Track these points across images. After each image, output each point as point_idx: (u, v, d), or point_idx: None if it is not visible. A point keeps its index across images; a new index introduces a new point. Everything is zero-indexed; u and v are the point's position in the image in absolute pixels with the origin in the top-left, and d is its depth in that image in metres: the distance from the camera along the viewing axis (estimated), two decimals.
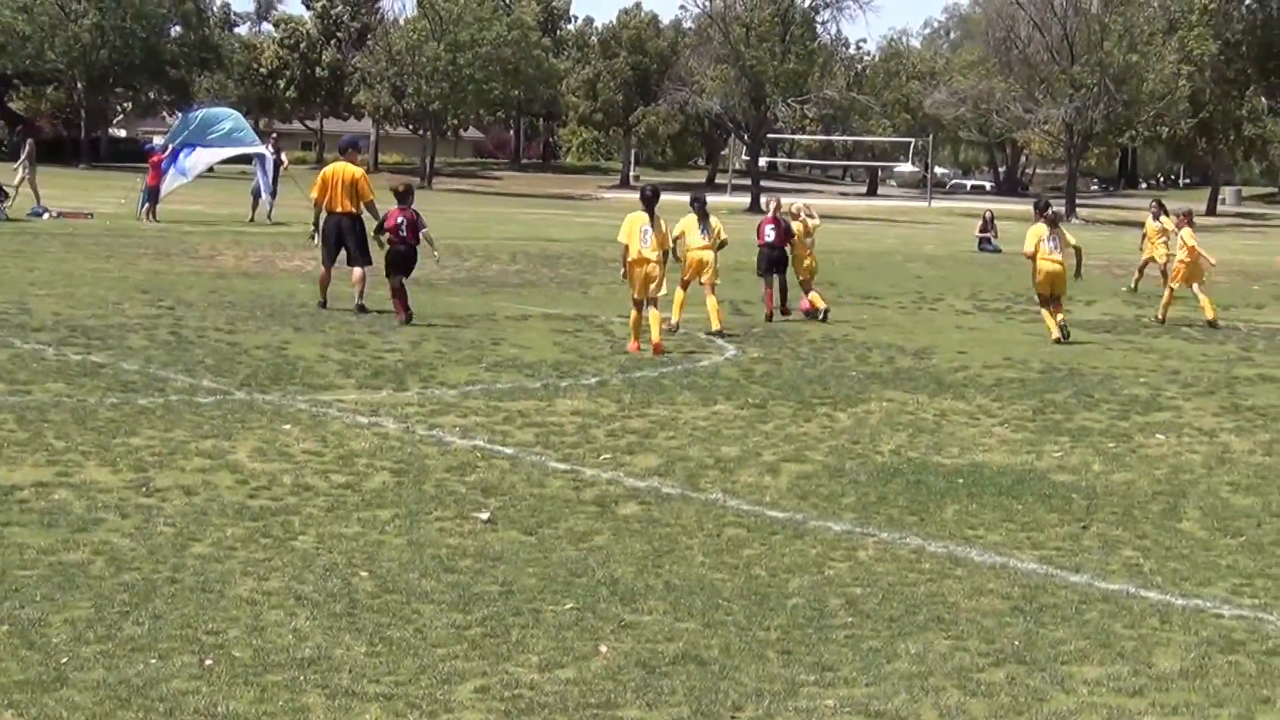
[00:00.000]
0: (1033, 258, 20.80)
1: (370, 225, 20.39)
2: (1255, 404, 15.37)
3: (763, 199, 69.33)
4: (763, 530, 9.41)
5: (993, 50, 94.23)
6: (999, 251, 41.56)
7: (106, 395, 13.09)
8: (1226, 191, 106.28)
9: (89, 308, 19.47)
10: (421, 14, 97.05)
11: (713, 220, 20.12)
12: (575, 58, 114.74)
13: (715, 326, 19.54)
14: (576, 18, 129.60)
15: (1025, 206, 24.77)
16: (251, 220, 40.47)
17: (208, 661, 6.65)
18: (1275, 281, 35.47)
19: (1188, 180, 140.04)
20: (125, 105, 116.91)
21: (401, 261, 19.78)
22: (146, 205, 39.88)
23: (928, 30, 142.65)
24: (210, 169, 43.59)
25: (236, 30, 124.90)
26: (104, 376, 14.08)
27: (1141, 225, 31.45)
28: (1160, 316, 23.86)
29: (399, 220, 19.79)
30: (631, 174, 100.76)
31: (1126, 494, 10.84)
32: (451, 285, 25.77)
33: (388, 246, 19.84)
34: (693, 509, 9.91)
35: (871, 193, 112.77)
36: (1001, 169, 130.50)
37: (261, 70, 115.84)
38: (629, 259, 17.79)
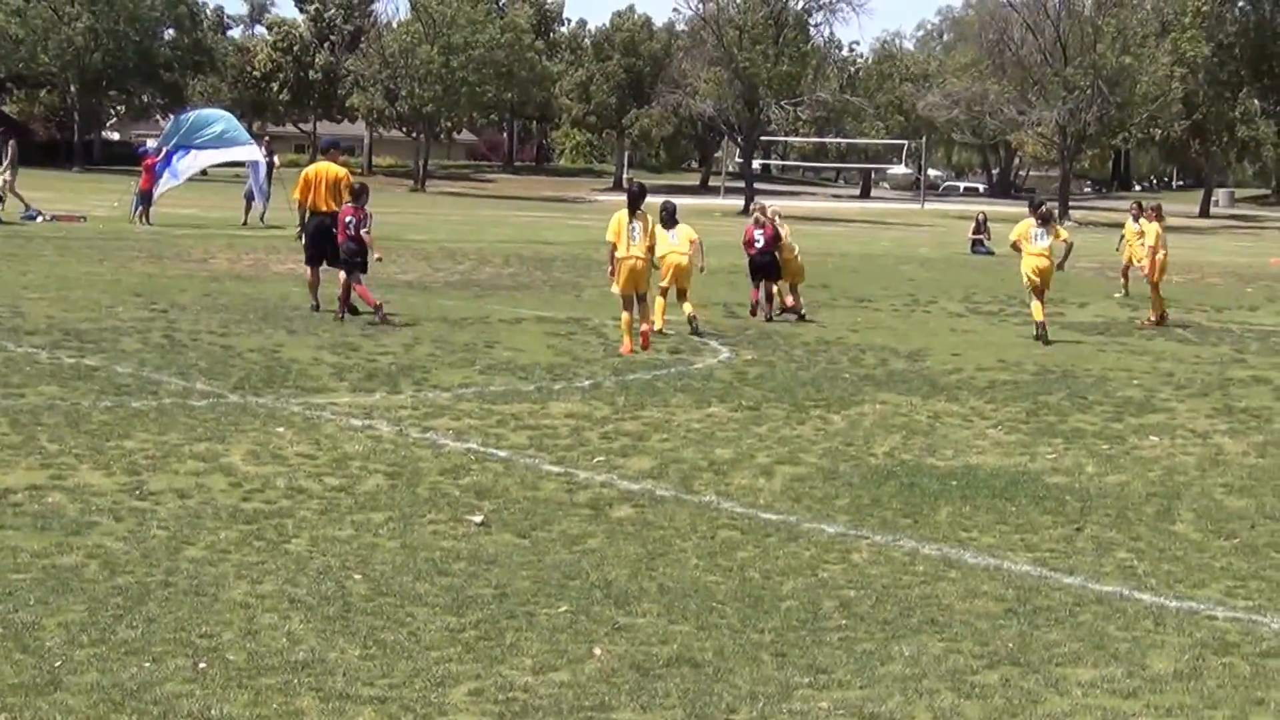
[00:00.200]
0: (1016, 249, 21.44)
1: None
2: (1249, 406, 15.39)
3: (755, 202, 69.54)
4: (756, 533, 9.41)
5: (986, 52, 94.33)
6: (992, 254, 41.57)
7: (100, 398, 13.07)
8: (1220, 193, 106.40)
9: (82, 311, 19.46)
10: (414, 17, 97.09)
11: (681, 226, 20.42)
12: (568, 60, 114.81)
13: (658, 325, 19.34)
14: (570, 20, 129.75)
15: (1018, 209, 24.80)
16: (245, 223, 40.45)
17: (201, 665, 6.65)
18: (1269, 283, 35.53)
19: (1181, 182, 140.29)
20: (118, 108, 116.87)
21: (349, 259, 19.87)
22: (140, 208, 39.85)
23: (921, 32, 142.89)
24: (203, 172, 43.53)
25: (229, 33, 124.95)
26: (97, 380, 14.07)
27: (1121, 227, 31.57)
28: (1154, 318, 23.85)
29: (349, 219, 19.88)
30: (625, 176, 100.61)
31: (1120, 496, 10.85)
32: (445, 288, 25.77)
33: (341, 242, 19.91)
34: (686, 511, 9.91)
35: (865, 195, 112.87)
36: (995, 171, 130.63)
37: (255, 73, 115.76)
38: (617, 256, 17.94)
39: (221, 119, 42.31)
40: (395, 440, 11.84)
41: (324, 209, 20.46)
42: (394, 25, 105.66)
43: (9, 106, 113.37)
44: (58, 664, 6.58)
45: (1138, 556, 9.15)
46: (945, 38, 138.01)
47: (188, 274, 25.76)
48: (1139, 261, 27.87)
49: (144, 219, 39.24)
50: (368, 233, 20.00)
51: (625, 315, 17.92)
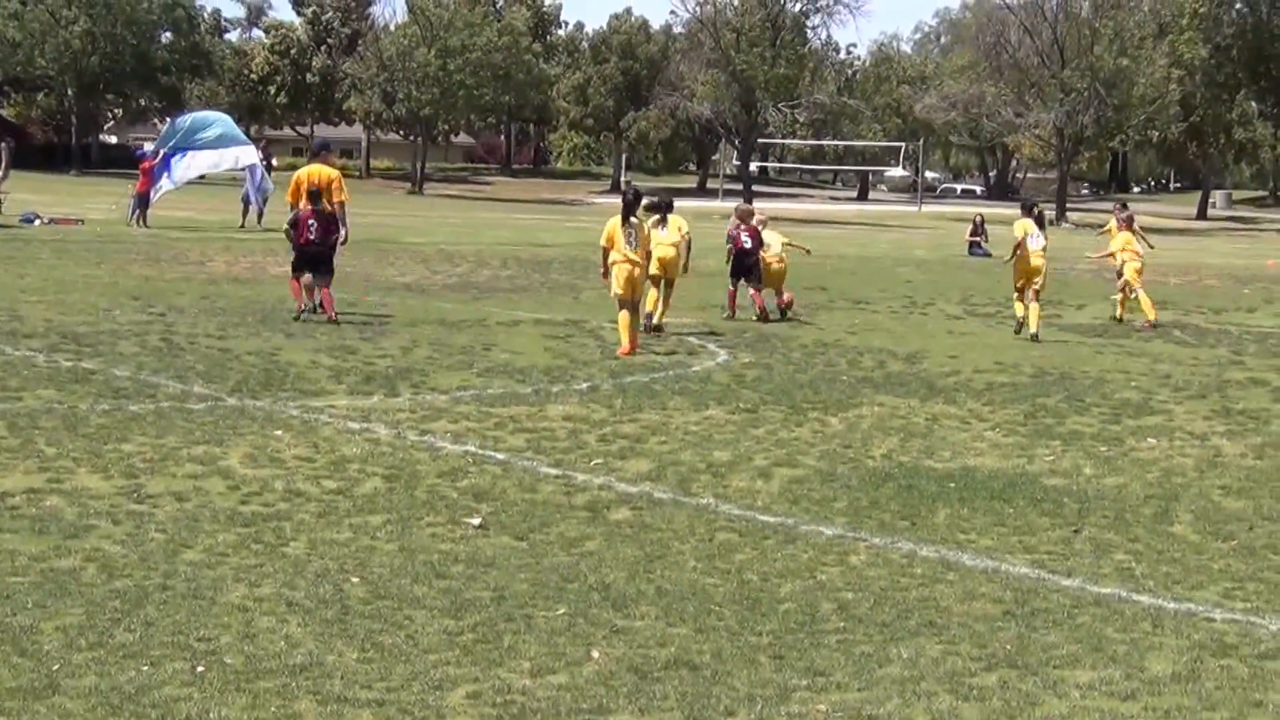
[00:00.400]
0: (1018, 248, 21.64)
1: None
2: (1246, 407, 15.40)
3: (767, 204, 69.50)
4: (754, 535, 9.41)
5: (983, 55, 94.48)
6: (989, 256, 41.59)
7: (98, 402, 13.07)
8: (1217, 195, 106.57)
9: (80, 314, 19.45)
10: (412, 20, 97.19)
11: (673, 218, 20.75)
12: (566, 63, 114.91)
13: (655, 321, 19.95)
14: (567, 23, 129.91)
15: (1016, 211, 24.83)
16: (242, 226, 40.47)
17: (199, 668, 6.64)
18: (1266, 285, 35.55)
19: (1178, 184, 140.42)
20: (116, 112, 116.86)
21: (309, 261, 20.00)
22: (137, 212, 39.87)
23: (918, 35, 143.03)
24: (201, 176, 43.50)
25: (227, 36, 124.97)
26: (95, 383, 14.07)
27: (1104, 226, 31.67)
28: (1152, 320, 23.86)
29: (310, 221, 20.04)
30: (622, 179, 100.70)
31: (1118, 498, 10.85)
32: (443, 290, 25.77)
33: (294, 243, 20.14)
34: (684, 514, 9.91)
35: (862, 197, 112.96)
36: (992, 173, 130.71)
37: (252, 76, 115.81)
38: (611, 260, 18.08)
39: (219, 122, 42.24)
40: (393, 443, 11.84)
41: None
42: (391, 28, 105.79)
43: (6, 110, 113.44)
44: (55, 667, 6.58)
45: (1136, 558, 9.16)
46: (942, 40, 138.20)
47: (185, 277, 25.76)
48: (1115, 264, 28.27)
49: (141, 222, 39.24)
50: (342, 233, 20.29)
51: (623, 315, 17.96)
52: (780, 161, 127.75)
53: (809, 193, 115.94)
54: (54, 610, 7.36)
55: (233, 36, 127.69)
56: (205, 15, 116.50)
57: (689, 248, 21.08)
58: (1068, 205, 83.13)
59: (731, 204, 75.85)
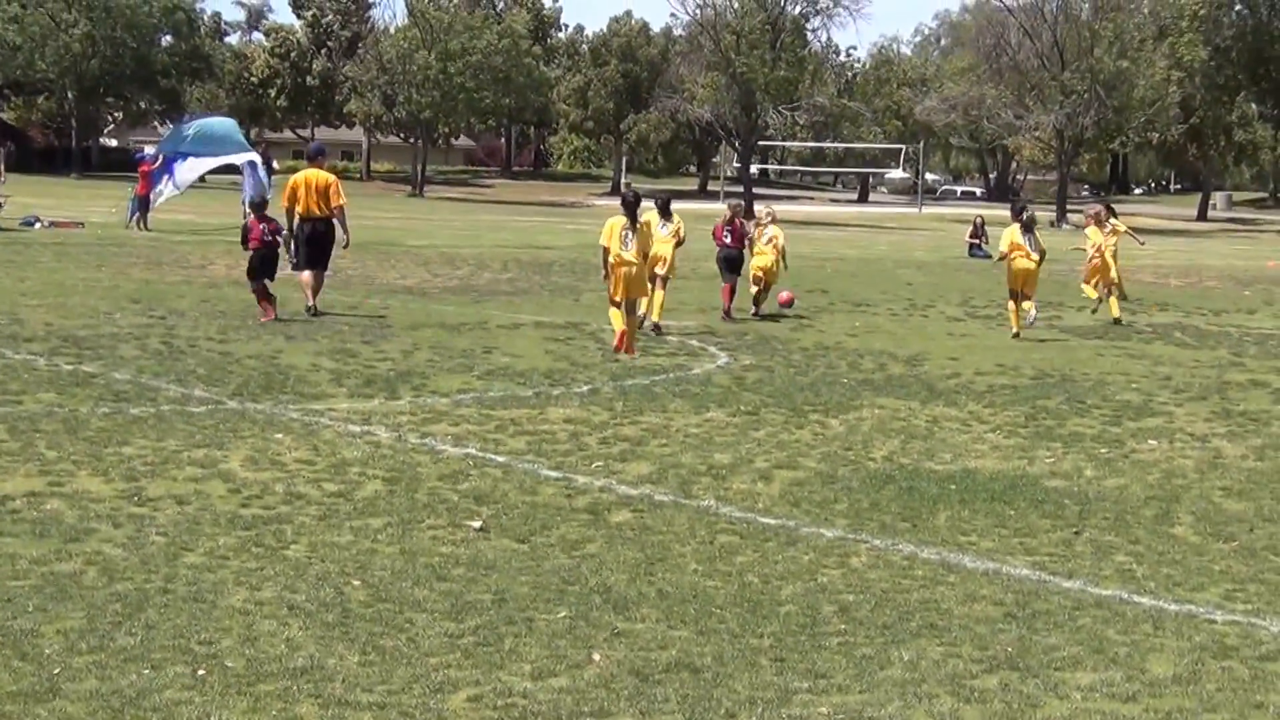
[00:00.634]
0: (1006, 256, 22.05)
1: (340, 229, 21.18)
2: (1247, 409, 15.40)
3: (756, 206, 69.49)
4: (755, 537, 9.41)
5: (983, 57, 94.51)
6: (990, 257, 41.56)
7: (98, 405, 13.07)
8: (1217, 197, 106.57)
9: (80, 318, 19.46)
10: (412, 23, 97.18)
11: (674, 219, 21.27)
12: (566, 66, 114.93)
13: (655, 319, 20.41)
14: (567, 26, 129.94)
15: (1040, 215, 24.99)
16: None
17: (200, 672, 6.64)
18: (1266, 286, 35.55)
19: (1179, 186, 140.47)
20: (116, 115, 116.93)
21: (265, 265, 20.50)
22: (137, 214, 39.88)
23: (918, 37, 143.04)
24: (201, 178, 43.53)
25: (227, 39, 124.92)
26: (96, 386, 14.07)
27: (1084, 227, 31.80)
28: (1117, 317, 24.12)
29: (262, 228, 20.60)
30: (623, 182, 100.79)
31: (1119, 499, 10.85)
32: (443, 293, 25.77)
33: (252, 252, 20.55)
34: (685, 516, 9.90)
35: (863, 199, 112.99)
36: (992, 175, 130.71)
37: (252, 79, 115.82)
38: (610, 261, 18.24)
39: (224, 127, 42.13)
40: (394, 446, 11.84)
41: (316, 214, 20.87)
42: (391, 31, 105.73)
43: (7, 113, 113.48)
44: (56, 671, 6.58)
45: (1136, 560, 9.15)
46: (942, 42, 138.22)
47: (186, 280, 25.76)
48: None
49: (141, 225, 39.25)
50: (283, 237, 20.84)
51: (615, 311, 18.30)
52: (781, 164, 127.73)
53: (809, 195, 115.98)
54: (55, 614, 7.36)
55: (233, 39, 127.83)
56: (205, 18, 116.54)
57: (676, 247, 21.40)
58: (1068, 207, 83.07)
59: (738, 203, 76.00)
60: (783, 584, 8.38)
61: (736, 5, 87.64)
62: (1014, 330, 21.66)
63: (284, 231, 20.92)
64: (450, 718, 6.27)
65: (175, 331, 18.43)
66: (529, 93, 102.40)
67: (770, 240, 23.85)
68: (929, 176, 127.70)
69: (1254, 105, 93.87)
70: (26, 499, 9.61)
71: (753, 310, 23.39)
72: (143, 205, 39.73)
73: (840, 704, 6.54)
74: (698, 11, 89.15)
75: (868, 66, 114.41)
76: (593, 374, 16.35)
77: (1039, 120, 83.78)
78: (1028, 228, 22.04)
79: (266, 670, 6.69)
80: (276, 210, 21.74)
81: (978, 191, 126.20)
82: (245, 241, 20.71)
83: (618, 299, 18.12)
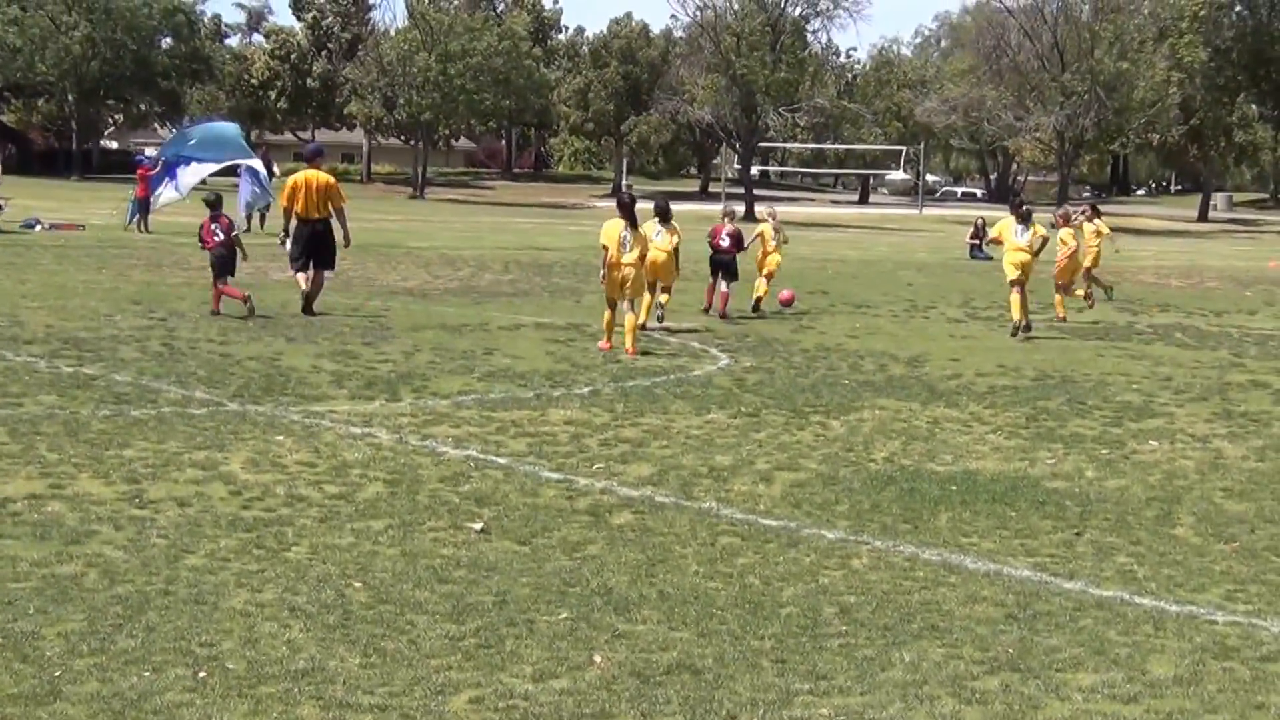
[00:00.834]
0: (998, 243, 22.90)
1: (340, 229, 21.49)
2: (1248, 410, 15.40)
3: (757, 208, 69.50)
4: (756, 539, 9.41)
5: (984, 58, 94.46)
6: (990, 259, 41.57)
7: (99, 407, 13.07)
8: (1218, 198, 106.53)
9: (81, 320, 19.46)
10: (412, 25, 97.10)
11: (673, 224, 21.59)
12: (566, 68, 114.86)
13: (642, 318, 20.49)
14: (567, 28, 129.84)
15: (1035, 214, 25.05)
16: (248, 230, 40.45)
17: (201, 674, 6.64)
18: (1267, 287, 35.54)
19: (1179, 187, 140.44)
20: (116, 117, 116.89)
21: (225, 264, 21.02)
22: (137, 217, 39.87)
23: (918, 39, 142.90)
24: (203, 181, 43.51)
25: (227, 41, 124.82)
26: (96, 388, 14.07)
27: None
28: (1062, 316, 24.28)
29: (213, 228, 21.08)
30: (623, 183, 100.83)
31: (1120, 500, 10.85)
32: (444, 295, 25.77)
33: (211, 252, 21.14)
34: (686, 518, 9.90)
35: (863, 200, 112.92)
36: (993, 176, 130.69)
37: (252, 81, 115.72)
38: (608, 262, 18.59)
39: (230, 137, 42.08)
40: (395, 448, 11.84)
41: (315, 216, 21.13)
42: (391, 33, 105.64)
43: (7, 116, 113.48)
44: (57, 673, 6.57)
45: (1138, 561, 9.15)
46: (943, 44, 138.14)
47: (186, 282, 25.75)
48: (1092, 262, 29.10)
49: (142, 227, 39.24)
50: (237, 237, 21.41)
51: (608, 314, 18.71)
52: (781, 165, 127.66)
53: (810, 196, 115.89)
54: (55, 616, 7.36)
55: (233, 41, 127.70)
56: (205, 20, 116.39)
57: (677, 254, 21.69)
58: (1069, 208, 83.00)
59: (733, 208, 76.45)
60: (784, 585, 8.38)
61: (737, 7, 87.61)
62: (1018, 322, 21.74)
63: (235, 232, 21.38)
64: (451, 719, 6.27)
65: (176, 333, 18.43)
66: (529, 94, 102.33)
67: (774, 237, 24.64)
68: (929, 178, 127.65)
69: (1254, 106, 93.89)
70: (27, 501, 9.62)
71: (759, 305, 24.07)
72: (143, 208, 39.72)
73: (842, 705, 6.54)
74: (698, 13, 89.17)
75: (868, 68, 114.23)
76: (594, 375, 16.35)
77: (1039, 121, 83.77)
78: (1025, 219, 22.50)
79: (268, 672, 6.69)
80: (274, 215, 21.85)
81: (978, 193, 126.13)
82: (202, 243, 21.37)
83: (612, 297, 18.57)
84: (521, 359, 17.39)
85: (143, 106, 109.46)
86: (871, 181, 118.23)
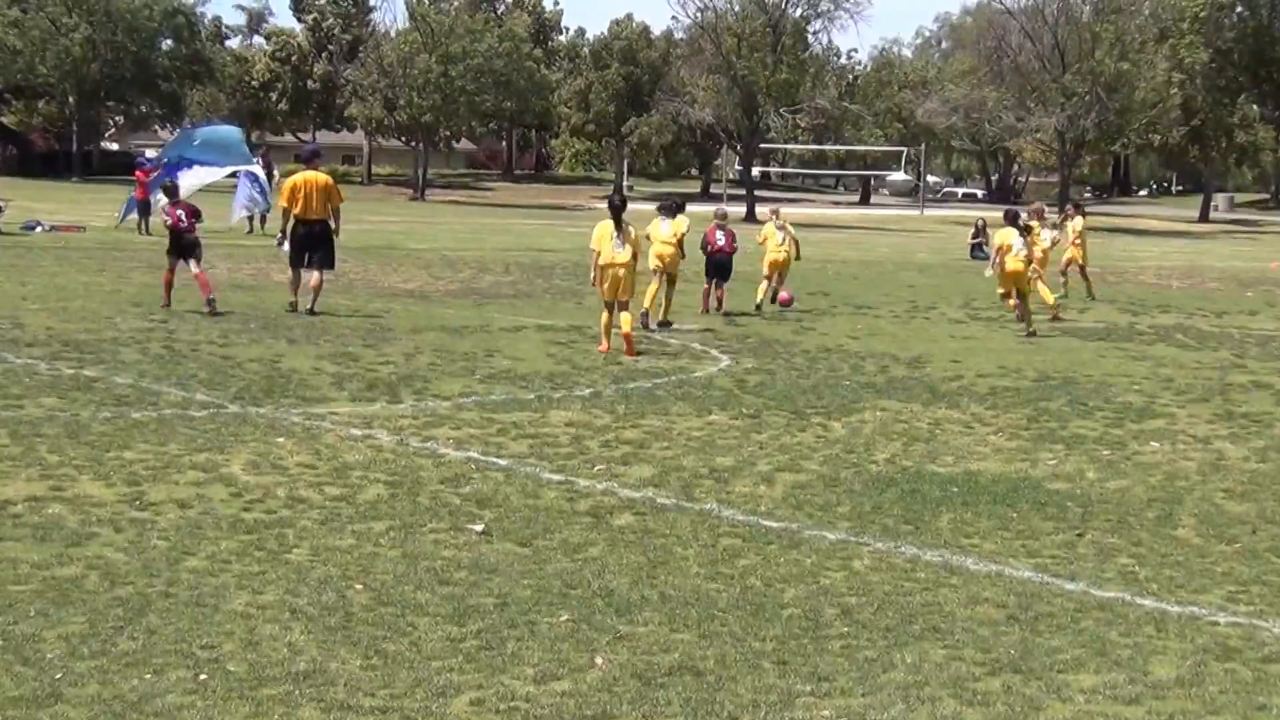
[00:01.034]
0: (1001, 255, 22.85)
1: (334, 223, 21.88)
2: (1249, 411, 15.39)
3: (759, 209, 69.53)
4: (758, 540, 9.40)
5: (984, 59, 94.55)
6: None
7: (100, 409, 13.07)
8: (1219, 198, 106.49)
9: (81, 322, 19.46)
10: (413, 26, 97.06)
11: (679, 218, 22.26)
12: (567, 69, 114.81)
13: (663, 316, 21.42)
14: (568, 29, 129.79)
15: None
16: (250, 231, 40.48)
17: (202, 676, 6.64)
18: (1269, 288, 35.53)
19: (1180, 187, 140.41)
20: (117, 119, 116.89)
21: (186, 248, 21.53)
22: (132, 216, 39.91)
23: (919, 40, 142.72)
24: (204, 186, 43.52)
25: (228, 43, 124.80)
26: (97, 391, 14.07)
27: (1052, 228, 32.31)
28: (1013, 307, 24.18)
29: (179, 213, 21.61)
30: (625, 184, 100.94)
31: (1121, 501, 10.84)
32: (445, 297, 25.77)
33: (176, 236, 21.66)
34: (688, 519, 9.90)
35: (864, 201, 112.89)
36: (994, 177, 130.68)
37: (253, 83, 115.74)
38: (600, 263, 18.82)
39: (230, 136, 42.10)
40: (396, 450, 11.84)
41: (314, 217, 21.46)
42: (392, 35, 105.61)
43: (8, 117, 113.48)
44: (58, 676, 6.57)
45: (1139, 562, 9.15)
46: (943, 45, 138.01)
47: (187, 283, 25.69)
48: (1077, 259, 29.38)
49: (142, 229, 39.25)
50: (198, 224, 21.91)
51: (605, 316, 18.81)
52: (782, 166, 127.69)
53: (811, 197, 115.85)
54: (56, 618, 7.36)
55: (234, 43, 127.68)
56: (206, 22, 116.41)
57: (682, 246, 22.22)
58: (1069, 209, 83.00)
59: (734, 209, 76.22)
60: (785, 587, 8.38)
61: (737, 8, 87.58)
62: (1011, 303, 22.78)
63: (279, 234, 21.68)
64: None
65: (176, 335, 18.43)
66: (530, 96, 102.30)
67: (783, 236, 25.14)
68: (930, 179, 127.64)
69: (1255, 107, 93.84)
70: (28, 503, 9.61)
71: (762, 305, 24.48)
72: (143, 210, 39.73)
73: (843, 707, 6.53)
74: (699, 14, 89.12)
75: (869, 69, 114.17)
76: (595, 377, 16.35)
77: (1040, 122, 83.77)
78: (1023, 231, 22.94)
79: (268, 674, 6.69)
80: (277, 213, 21.97)
81: (979, 193, 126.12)
82: (170, 227, 21.84)
83: (606, 298, 18.77)
84: (522, 361, 17.39)
85: (143, 108, 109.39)
86: (872, 182, 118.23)
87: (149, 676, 6.61)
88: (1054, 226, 31.15)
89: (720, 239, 24.12)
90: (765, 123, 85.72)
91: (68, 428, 12.11)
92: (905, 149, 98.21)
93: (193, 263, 21.36)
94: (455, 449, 11.95)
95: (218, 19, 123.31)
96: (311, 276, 21.29)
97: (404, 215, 66.08)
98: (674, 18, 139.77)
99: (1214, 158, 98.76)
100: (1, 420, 12.34)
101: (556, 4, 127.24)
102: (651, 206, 22.61)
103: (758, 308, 24.23)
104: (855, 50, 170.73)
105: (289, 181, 21.94)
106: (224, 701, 6.35)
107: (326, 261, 21.59)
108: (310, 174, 21.62)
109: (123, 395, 13.87)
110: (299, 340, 18.43)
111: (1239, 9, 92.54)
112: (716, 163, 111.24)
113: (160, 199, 39.01)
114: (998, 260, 23.03)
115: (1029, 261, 23.01)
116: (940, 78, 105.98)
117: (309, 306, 20.94)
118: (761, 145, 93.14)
